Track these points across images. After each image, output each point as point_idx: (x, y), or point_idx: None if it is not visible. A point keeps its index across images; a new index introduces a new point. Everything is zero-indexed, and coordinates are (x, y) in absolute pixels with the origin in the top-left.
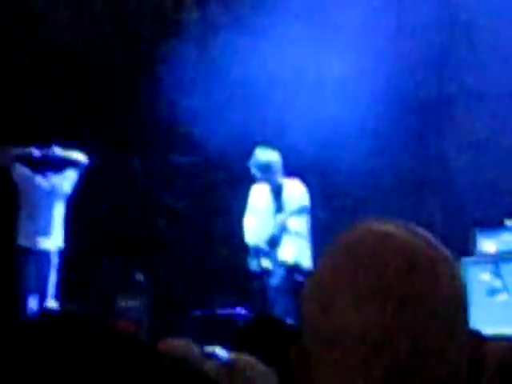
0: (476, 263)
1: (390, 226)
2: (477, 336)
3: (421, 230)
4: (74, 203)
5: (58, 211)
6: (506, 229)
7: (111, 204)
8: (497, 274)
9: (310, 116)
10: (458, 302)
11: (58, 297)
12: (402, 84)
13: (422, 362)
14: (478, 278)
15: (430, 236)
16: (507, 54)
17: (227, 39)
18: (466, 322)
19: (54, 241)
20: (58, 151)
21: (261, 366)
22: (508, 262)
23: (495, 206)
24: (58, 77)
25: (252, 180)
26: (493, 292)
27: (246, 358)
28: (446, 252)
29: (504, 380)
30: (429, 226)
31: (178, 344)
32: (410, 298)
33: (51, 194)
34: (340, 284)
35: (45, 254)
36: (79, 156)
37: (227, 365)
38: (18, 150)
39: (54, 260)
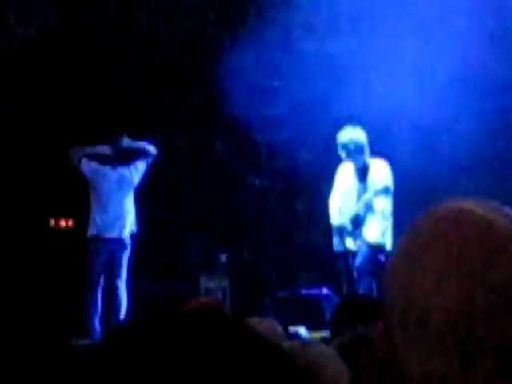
0: None
1: (470, 203)
2: None
3: (504, 208)
4: (158, 184)
5: (129, 200)
6: None
7: (195, 185)
8: None
9: (397, 95)
10: None
11: (139, 279)
12: (489, 67)
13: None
14: None
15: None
16: None
17: (308, 20)
18: None
19: (126, 228)
20: (127, 142)
21: (330, 353)
22: None
23: None
24: (135, 63)
25: (338, 159)
26: None
27: (316, 344)
28: None
29: None
30: None
31: (262, 323)
32: (488, 279)
33: (120, 183)
34: (420, 263)
35: (118, 241)
36: (148, 146)
37: (299, 345)
38: (86, 150)
39: (127, 245)
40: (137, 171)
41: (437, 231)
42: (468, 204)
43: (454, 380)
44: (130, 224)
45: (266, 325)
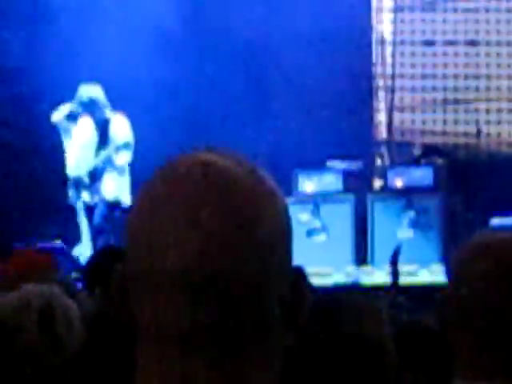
0: (296, 203)
1: (213, 155)
2: (300, 274)
3: (248, 161)
4: None
5: None
6: (327, 170)
7: None
8: (316, 215)
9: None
10: (280, 238)
11: None
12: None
13: (241, 298)
14: (297, 219)
15: (256, 167)
16: None
17: None
18: (288, 258)
19: None
20: None
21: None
22: (327, 202)
23: (317, 146)
24: None
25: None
26: (311, 232)
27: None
28: (273, 185)
29: None
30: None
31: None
32: (228, 232)
33: None
34: (157, 216)
35: None
36: None
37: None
38: None
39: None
40: None
41: (171, 183)
42: (209, 156)
43: (186, 329)
44: None
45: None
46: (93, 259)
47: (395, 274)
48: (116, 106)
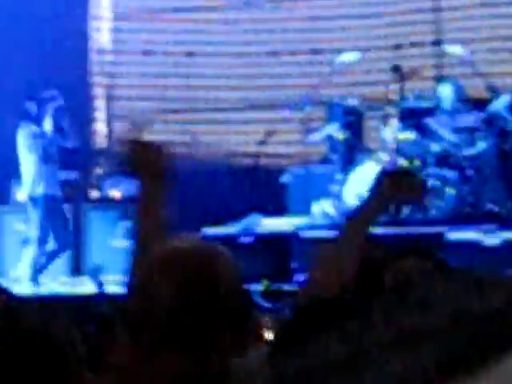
0: (12, 212)
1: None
2: None
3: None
4: None
5: None
6: None
7: None
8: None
9: None
10: None
11: None
12: None
13: None
14: (14, 228)
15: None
16: None
17: None
18: None
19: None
20: None
21: None
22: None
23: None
24: None
25: None
26: (27, 241)
27: None
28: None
29: None
30: None
31: None
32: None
33: None
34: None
35: None
36: None
37: None
38: None
39: None
40: None
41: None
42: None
43: None
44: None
45: None
46: None
47: (100, 286)
48: None
